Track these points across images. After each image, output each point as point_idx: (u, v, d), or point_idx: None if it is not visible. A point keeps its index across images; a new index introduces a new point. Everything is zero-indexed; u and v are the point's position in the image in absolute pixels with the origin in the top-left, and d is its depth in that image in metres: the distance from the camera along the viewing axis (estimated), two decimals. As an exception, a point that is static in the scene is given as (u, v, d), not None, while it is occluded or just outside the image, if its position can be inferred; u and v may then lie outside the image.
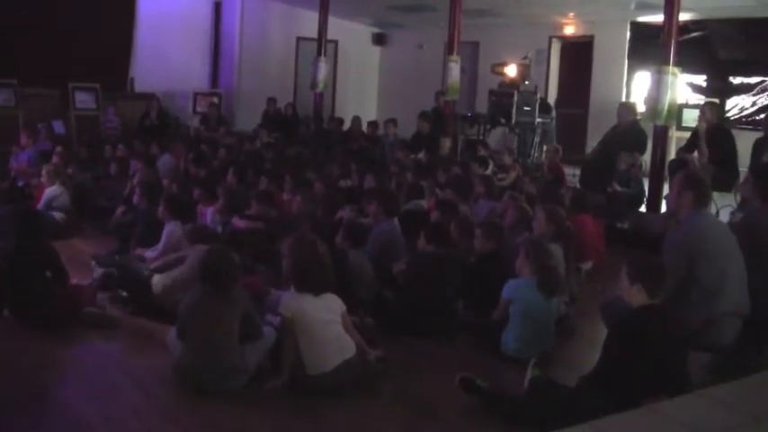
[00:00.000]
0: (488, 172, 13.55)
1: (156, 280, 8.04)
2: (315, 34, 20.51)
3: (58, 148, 14.52)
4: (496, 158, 14.76)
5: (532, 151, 17.12)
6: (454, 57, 16.18)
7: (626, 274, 5.60)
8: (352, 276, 7.90)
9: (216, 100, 21.29)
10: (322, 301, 6.30)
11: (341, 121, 19.79)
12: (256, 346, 6.42)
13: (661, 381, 5.26)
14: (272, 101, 20.59)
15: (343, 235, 8.32)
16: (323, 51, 20.27)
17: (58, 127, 18.65)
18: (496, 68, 18.14)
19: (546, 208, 8.71)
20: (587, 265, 9.88)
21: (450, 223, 8.76)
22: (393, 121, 17.46)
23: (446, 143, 15.16)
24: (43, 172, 12.04)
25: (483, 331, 7.38)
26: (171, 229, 9.03)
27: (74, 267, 8.77)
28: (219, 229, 10.33)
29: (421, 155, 15.18)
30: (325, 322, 6.26)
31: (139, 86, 21.39)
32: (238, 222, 10.09)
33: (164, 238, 9.05)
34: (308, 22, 21.38)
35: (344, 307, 6.46)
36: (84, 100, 19.53)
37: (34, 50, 18.84)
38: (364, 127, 18.78)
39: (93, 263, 9.26)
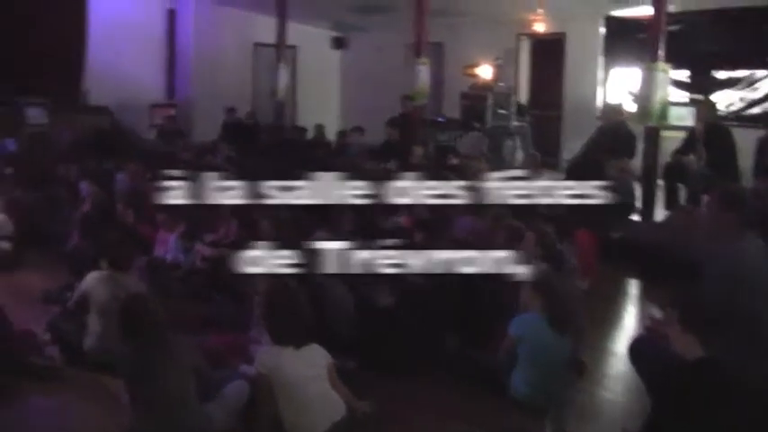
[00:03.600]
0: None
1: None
2: (272, 40, 19.77)
3: (8, 170, 13.64)
4: (470, 166, 13.93)
5: (509, 157, 16.35)
6: (423, 59, 15.35)
7: (680, 321, 4.66)
8: (332, 311, 7.00)
9: (173, 111, 20.40)
10: (304, 354, 5.43)
11: (304, 130, 18.89)
12: (224, 404, 5.55)
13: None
14: (231, 111, 19.67)
15: (319, 264, 7.37)
16: (282, 58, 19.43)
17: (11, 145, 17.72)
18: (468, 70, 17.39)
19: (535, 228, 7.88)
20: (584, 284, 9.07)
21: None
22: (359, 129, 16.70)
23: (418, 151, 14.31)
24: None
25: (485, 372, 6.53)
26: None
27: (22, 304, 8.16)
28: (182, 257, 9.53)
29: (391, 164, 14.33)
30: (309, 379, 5.40)
31: (94, 100, 20.39)
32: (203, 249, 9.24)
33: None
34: (265, 28, 20.55)
35: (330, 359, 5.58)
36: (35, 115, 18.50)
37: None
38: (331, 135, 18.03)
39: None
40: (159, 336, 5.45)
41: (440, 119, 17.53)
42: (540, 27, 18.59)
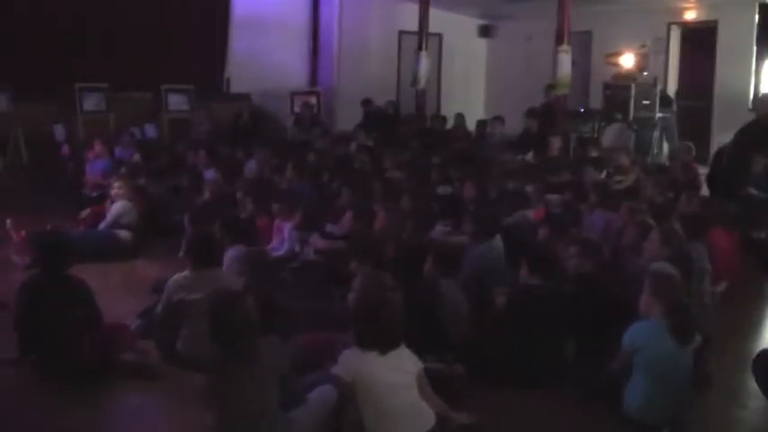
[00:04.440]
0: (603, 175, 12.15)
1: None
2: (417, 27, 19.49)
3: (135, 156, 13.62)
4: (612, 158, 13.27)
5: (652, 149, 15.61)
6: (565, 47, 14.73)
7: None
8: (443, 313, 6.56)
9: (314, 99, 20.31)
10: (391, 359, 5.00)
11: (444, 120, 18.49)
12: (310, 411, 5.11)
13: None
14: (367, 102, 19.41)
15: (433, 261, 6.93)
16: (424, 45, 19.25)
17: (150, 131, 17.91)
18: (610, 59, 16.73)
19: (662, 227, 7.27)
20: (721, 287, 8.40)
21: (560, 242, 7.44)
22: (500, 119, 16.20)
23: (556, 143, 13.72)
24: (115, 185, 10.96)
25: (602, 383, 5.94)
26: (232, 255, 7.66)
27: (133, 294, 8.12)
28: (298, 248, 9.22)
29: (529, 156, 13.81)
30: (396, 387, 4.98)
31: (236, 87, 20.62)
32: (318, 242, 8.92)
33: (224, 268, 7.59)
34: (410, 15, 20.24)
35: (421, 365, 5.16)
36: (176, 102, 18.71)
37: (127, 53, 18.27)
38: (471, 125, 17.56)
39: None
40: (247, 338, 5.04)
41: (580, 109, 16.86)
42: (691, 14, 17.85)
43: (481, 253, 7.72)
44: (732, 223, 9.17)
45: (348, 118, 19.82)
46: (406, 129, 17.96)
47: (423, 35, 19.24)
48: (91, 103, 17.44)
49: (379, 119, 18.95)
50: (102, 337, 6.56)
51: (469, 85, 23.89)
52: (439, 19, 20.35)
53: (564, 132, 14.87)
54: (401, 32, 22.14)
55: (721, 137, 15.05)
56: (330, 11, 22.03)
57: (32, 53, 17.25)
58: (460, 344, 6.47)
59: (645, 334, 5.62)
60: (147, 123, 18.05)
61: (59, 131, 16.08)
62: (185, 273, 6.94)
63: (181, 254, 7.15)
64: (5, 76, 16.24)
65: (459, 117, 17.92)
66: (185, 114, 18.51)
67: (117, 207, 10.64)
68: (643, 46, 16.96)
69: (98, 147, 13.78)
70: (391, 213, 8.62)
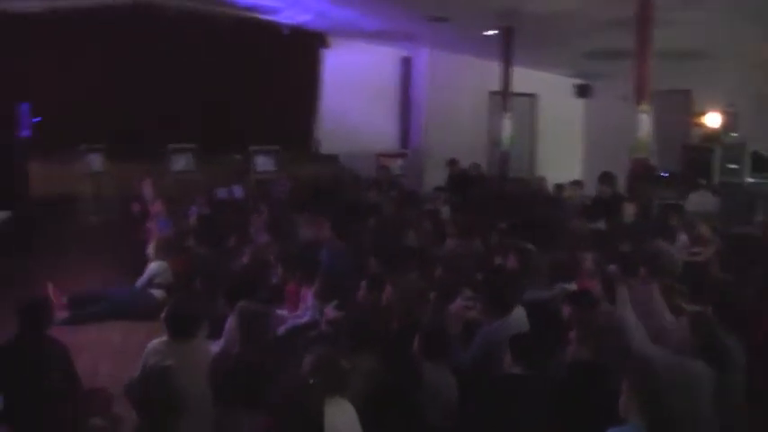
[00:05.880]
0: (677, 245, 11.17)
1: None
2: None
3: (193, 218, 13.41)
4: (695, 228, 12.17)
5: (756, 218, 14.43)
6: (645, 106, 13.80)
7: None
8: (421, 398, 5.81)
9: (397, 161, 20.45)
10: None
11: (524, 182, 17.83)
12: None
13: None
14: (453, 163, 18.94)
15: (419, 342, 6.25)
16: (508, 106, 18.69)
17: (238, 191, 17.82)
18: (695, 119, 15.73)
19: (693, 313, 6.30)
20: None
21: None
22: (578, 183, 15.47)
23: (629, 209, 12.77)
24: (150, 245, 11.27)
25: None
26: (230, 322, 7.25)
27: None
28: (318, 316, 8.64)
29: (600, 223, 12.93)
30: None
31: (326, 148, 21.01)
32: (329, 312, 8.29)
33: (224, 335, 7.30)
34: (501, 76, 19.57)
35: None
36: (264, 163, 18.97)
37: (218, 114, 19.09)
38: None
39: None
40: (170, 422, 4.50)
41: (664, 173, 15.84)
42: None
43: (492, 331, 6.94)
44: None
45: (437, 180, 19.39)
46: (483, 192, 17.25)
47: (506, 96, 18.77)
48: (180, 163, 17.96)
49: (463, 181, 18.39)
50: (76, 402, 6.22)
51: (566, 146, 23.30)
52: (534, 79, 20.42)
53: (642, 198, 13.90)
54: (491, 93, 21.58)
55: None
56: (420, 71, 22.09)
57: (127, 114, 18.24)
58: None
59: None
60: (234, 184, 17.98)
61: (149, 190, 16.09)
62: (164, 338, 6.52)
63: (162, 315, 6.58)
64: (100, 137, 17.18)
65: (540, 180, 17.32)
66: (272, 175, 18.64)
67: (152, 267, 10.96)
68: (731, 105, 15.89)
69: (158, 205, 13.82)
70: (398, 285, 7.85)
